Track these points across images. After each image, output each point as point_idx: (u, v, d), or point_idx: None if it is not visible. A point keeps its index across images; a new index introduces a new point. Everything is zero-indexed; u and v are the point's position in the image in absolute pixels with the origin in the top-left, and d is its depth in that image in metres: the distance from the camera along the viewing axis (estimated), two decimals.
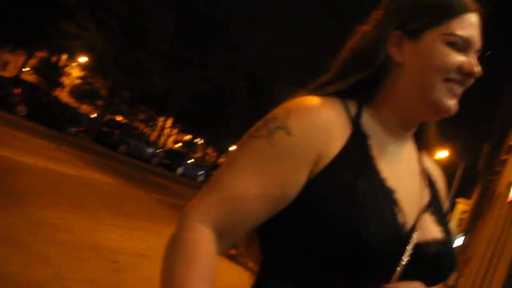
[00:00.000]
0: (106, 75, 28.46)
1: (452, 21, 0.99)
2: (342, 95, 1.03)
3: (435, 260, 0.97)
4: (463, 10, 1.00)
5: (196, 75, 31.55)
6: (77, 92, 38.90)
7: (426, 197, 1.06)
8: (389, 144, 1.04)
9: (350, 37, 1.09)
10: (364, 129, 1.01)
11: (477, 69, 0.99)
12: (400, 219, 0.93)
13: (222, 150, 48.66)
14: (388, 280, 0.92)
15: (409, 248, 0.92)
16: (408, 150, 1.10)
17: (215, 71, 32.92)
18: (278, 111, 0.98)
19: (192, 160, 34.08)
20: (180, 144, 52.09)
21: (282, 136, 0.93)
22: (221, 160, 55.62)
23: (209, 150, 53.77)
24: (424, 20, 1.01)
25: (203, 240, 0.88)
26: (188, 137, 50.56)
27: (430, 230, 0.99)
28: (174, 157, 31.90)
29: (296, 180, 0.93)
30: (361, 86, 1.04)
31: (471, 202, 25.56)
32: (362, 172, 0.95)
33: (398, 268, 0.92)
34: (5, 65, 41.49)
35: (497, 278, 6.80)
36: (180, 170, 30.89)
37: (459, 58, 0.98)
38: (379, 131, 1.04)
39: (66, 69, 36.30)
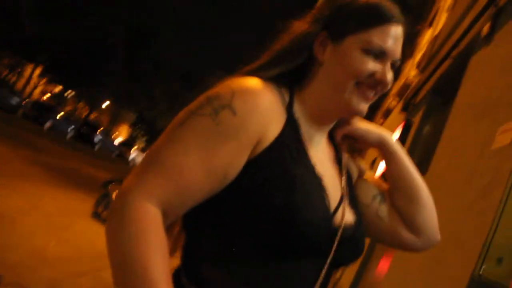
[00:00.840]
0: None
1: (372, 30, 1.05)
2: (276, 82, 1.08)
3: (351, 242, 1.05)
4: (386, 21, 1.06)
5: (73, 23, 29.47)
6: None
7: (342, 183, 1.14)
8: (314, 133, 1.11)
9: (284, 30, 1.14)
10: (296, 117, 1.07)
11: (389, 78, 1.06)
12: (327, 204, 1.01)
13: (94, 105, 46.60)
14: (319, 262, 1.00)
15: (339, 233, 1.01)
16: (326, 142, 1.19)
17: (95, 20, 31.02)
18: (222, 89, 0.98)
19: (62, 113, 32.06)
20: (49, 95, 48.82)
21: (227, 116, 0.94)
22: (94, 116, 53.35)
23: (80, 104, 51.13)
24: (347, 26, 1.07)
25: (151, 216, 0.87)
26: (58, 88, 47.49)
27: (346, 214, 1.07)
28: (42, 110, 29.55)
29: (238, 161, 0.95)
30: (294, 76, 1.12)
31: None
32: (297, 158, 1.00)
33: (331, 253, 1.00)
34: None
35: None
36: (48, 124, 28.92)
37: (372, 66, 1.04)
38: (306, 120, 1.10)
39: None
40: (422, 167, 5.05)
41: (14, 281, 3.92)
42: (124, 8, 34.32)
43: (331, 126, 1.17)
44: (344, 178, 1.16)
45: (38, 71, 38.86)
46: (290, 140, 1.01)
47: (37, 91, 44.14)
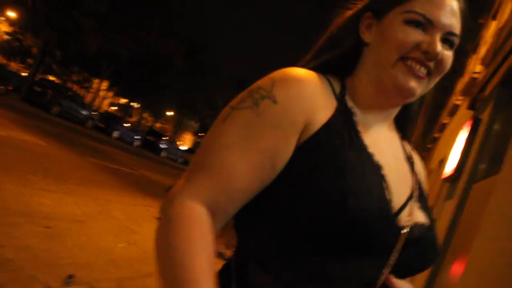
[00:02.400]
0: (38, 33, 27.04)
1: (416, 0, 0.97)
2: (324, 72, 1.03)
3: (419, 245, 0.95)
4: None
5: (132, 38, 30.58)
6: (6, 49, 36.80)
7: (411, 182, 1.04)
8: (372, 123, 1.03)
9: (332, 20, 1.11)
10: (349, 105, 1.01)
11: (437, 48, 0.95)
12: (388, 195, 0.91)
13: (158, 115, 47.95)
14: (382, 263, 0.89)
15: (404, 232, 0.91)
16: (390, 133, 1.09)
17: (153, 35, 32.05)
18: (263, 81, 0.95)
19: (129, 124, 33.22)
20: (116, 108, 50.72)
21: (268, 105, 0.90)
22: (159, 125, 55.00)
23: (145, 115, 52.78)
24: (389, 1, 1.01)
25: (196, 215, 0.84)
26: (124, 100, 49.27)
27: (416, 214, 0.97)
28: (110, 121, 31.06)
29: (285, 149, 0.90)
30: (344, 66, 1.06)
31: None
32: (350, 144, 0.92)
33: (395, 254, 0.90)
34: None
35: None
36: (115, 134, 30.15)
37: (415, 36, 0.96)
38: (360, 108, 1.03)
39: None
40: (493, 168, 4.83)
41: (85, 280, 4.06)
42: (182, 22, 35.28)
43: (393, 113, 1.08)
44: (415, 176, 1.07)
45: (104, 85, 40.47)
46: (342, 127, 0.94)
47: (105, 104, 45.93)
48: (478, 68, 7.61)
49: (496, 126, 5.65)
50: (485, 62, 7.04)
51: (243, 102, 0.92)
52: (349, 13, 1.09)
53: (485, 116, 5.91)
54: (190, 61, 39.04)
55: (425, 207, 1.04)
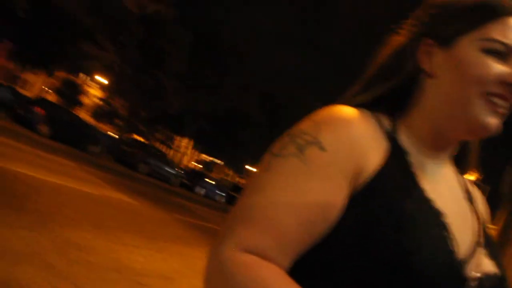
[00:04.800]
0: (125, 95, 28.72)
1: (490, 25, 0.86)
2: (372, 108, 0.93)
3: None
4: (505, 12, 0.86)
5: (212, 96, 31.71)
6: (97, 112, 39.27)
7: (475, 226, 0.92)
8: (428, 163, 0.92)
9: (379, 48, 0.99)
10: (402, 145, 0.90)
11: None
12: (452, 246, 0.80)
13: (240, 170, 48.67)
14: None
15: (473, 284, 0.81)
16: (448, 172, 0.97)
17: (231, 91, 33.08)
18: (306, 124, 0.86)
19: (213, 182, 33.86)
20: (199, 165, 52.15)
21: (315, 152, 0.80)
22: (240, 180, 55.71)
23: (229, 171, 53.81)
24: (457, 25, 0.88)
25: (252, 261, 0.74)
26: (207, 157, 50.65)
27: (484, 263, 0.86)
28: (195, 177, 31.83)
29: (336, 200, 0.79)
30: (394, 101, 0.95)
31: (496, 227, 25.01)
32: (407, 191, 0.82)
33: None
34: (24, 84, 42.10)
35: None
36: (202, 192, 30.77)
37: (499, 68, 0.84)
38: (415, 148, 0.92)
39: (85, 88, 36.76)
40: None
41: None
42: (258, 77, 36.36)
43: (449, 153, 0.96)
44: (479, 217, 0.95)
45: (186, 143, 41.88)
46: (395, 171, 0.84)
47: (189, 161, 47.36)
48: None
49: None
50: None
51: (285, 149, 0.82)
52: (401, 39, 0.95)
53: None
54: (269, 114, 39.69)
55: (494, 254, 0.91)
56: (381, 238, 0.76)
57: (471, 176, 1.07)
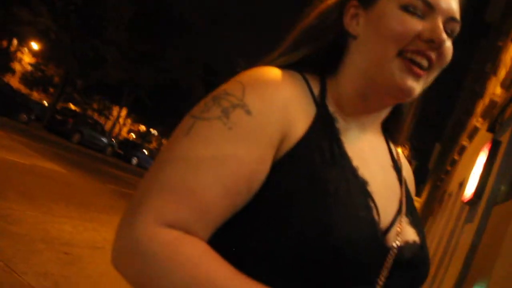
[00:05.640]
0: (59, 63, 27.66)
1: None
2: (302, 70, 0.90)
3: (411, 265, 0.84)
4: None
5: (152, 67, 31.06)
6: (29, 79, 37.64)
7: (399, 194, 0.91)
8: (357, 129, 0.91)
9: (307, 10, 0.96)
10: (330, 109, 0.88)
11: (442, 35, 0.82)
12: (376, 216, 0.79)
13: None
14: None
15: (393, 253, 0.79)
16: (376, 138, 0.97)
17: (173, 63, 32.50)
18: (231, 85, 0.81)
19: (146, 151, 33.44)
20: (134, 135, 51.27)
21: (241, 116, 0.76)
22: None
23: (164, 141, 53.23)
24: None
25: (173, 236, 0.69)
26: (142, 127, 49.83)
27: (405, 231, 0.85)
28: (129, 148, 31.40)
29: (261, 169, 0.76)
30: (326, 62, 0.93)
31: (421, 200, 26.23)
32: (331, 159, 0.80)
33: (382, 278, 0.78)
34: None
35: (448, 278, 6.88)
36: (135, 161, 30.45)
37: (416, 25, 0.82)
38: (344, 111, 0.90)
39: (17, 54, 35.05)
40: None
41: None
42: (200, 49, 35.81)
43: (381, 116, 0.95)
44: (403, 186, 0.94)
45: (123, 113, 41.01)
46: (321, 138, 0.81)
47: (124, 131, 46.45)
48: (498, 90, 7.56)
49: None
50: (505, 85, 7.00)
51: (208, 111, 0.77)
52: (329, 1, 0.94)
53: (505, 138, 5.87)
54: (209, 87, 39.38)
55: (416, 222, 0.91)
56: (302, 211, 0.73)
57: (401, 150, 1.07)
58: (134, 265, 0.69)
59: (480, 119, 8.94)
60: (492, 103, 7.41)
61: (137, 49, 29.23)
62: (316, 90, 0.88)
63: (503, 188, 5.52)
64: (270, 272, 0.74)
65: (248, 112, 0.76)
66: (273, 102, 0.78)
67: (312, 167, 0.77)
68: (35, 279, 4.08)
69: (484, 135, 7.68)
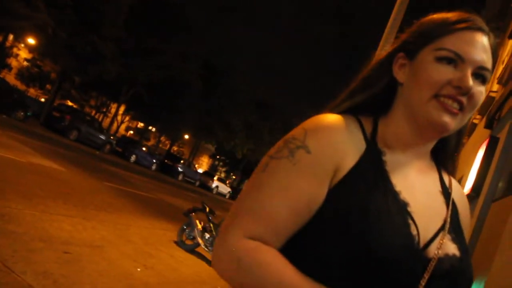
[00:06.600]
0: (56, 59, 27.51)
1: (445, 38, 1.02)
2: (357, 113, 1.10)
3: (449, 276, 0.97)
4: (460, 28, 1.02)
5: (150, 63, 30.91)
6: (25, 75, 37.52)
7: (444, 215, 1.07)
8: (403, 160, 1.08)
9: (365, 64, 1.17)
10: (379, 145, 1.07)
11: (469, 83, 0.97)
12: (413, 230, 0.95)
13: (175, 138, 48.10)
14: None
15: (432, 264, 0.94)
16: (425, 169, 1.12)
17: (171, 59, 32.33)
18: (297, 131, 1.03)
19: (145, 148, 33.38)
20: (132, 132, 51.17)
21: (302, 155, 0.98)
22: (175, 148, 55.21)
23: (162, 138, 53.12)
24: (420, 41, 1.05)
25: (254, 245, 0.93)
26: (140, 125, 49.69)
27: (446, 246, 1.00)
28: (127, 145, 31.32)
29: (319, 194, 0.97)
30: (378, 106, 1.12)
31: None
32: (375, 186, 0.98)
33: (422, 285, 0.92)
34: None
35: None
36: (133, 158, 30.38)
37: (448, 73, 0.99)
38: (393, 146, 1.08)
39: (14, 50, 34.90)
40: (511, 187, 4.80)
41: None
42: (198, 45, 35.55)
43: (427, 148, 1.11)
44: (450, 209, 1.09)
45: (121, 110, 40.88)
46: (369, 168, 1.01)
47: (122, 128, 46.33)
48: (495, 87, 7.56)
49: None
50: (502, 81, 7.00)
51: (280, 152, 1.01)
52: (382, 55, 1.14)
53: (502, 135, 5.87)
54: (208, 84, 39.20)
55: (459, 239, 1.05)
56: (349, 228, 0.91)
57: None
58: (228, 267, 0.95)
59: (477, 116, 8.94)
60: (490, 100, 7.41)
61: (135, 45, 29.11)
62: (368, 130, 1.08)
63: (501, 184, 5.53)
64: (326, 278, 0.91)
65: (308, 152, 0.98)
66: (327, 142, 0.99)
67: (357, 193, 0.96)
68: (34, 278, 4.09)
69: (482, 131, 7.68)
